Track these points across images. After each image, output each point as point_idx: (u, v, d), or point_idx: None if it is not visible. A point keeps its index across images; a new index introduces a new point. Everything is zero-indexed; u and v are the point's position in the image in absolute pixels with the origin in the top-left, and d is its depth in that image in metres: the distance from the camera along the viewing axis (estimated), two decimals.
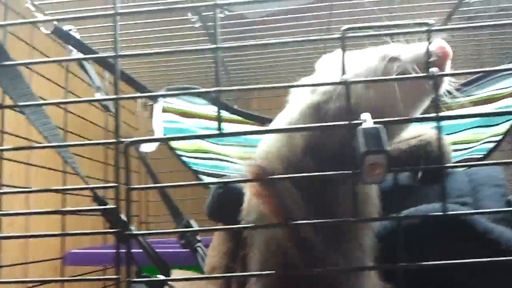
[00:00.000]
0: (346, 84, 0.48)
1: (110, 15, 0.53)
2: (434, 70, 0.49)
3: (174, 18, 1.26)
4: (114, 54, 0.52)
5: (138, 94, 0.85)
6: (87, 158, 1.56)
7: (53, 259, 1.37)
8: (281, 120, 0.71)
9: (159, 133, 1.18)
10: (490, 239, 0.63)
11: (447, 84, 0.61)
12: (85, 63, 1.18)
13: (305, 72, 0.70)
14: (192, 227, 1.06)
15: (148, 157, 1.08)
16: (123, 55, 0.54)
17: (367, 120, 0.49)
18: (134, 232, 0.54)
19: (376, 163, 0.48)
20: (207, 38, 1.33)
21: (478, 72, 1.18)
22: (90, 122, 1.58)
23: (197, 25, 1.12)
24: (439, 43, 0.60)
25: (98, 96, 1.11)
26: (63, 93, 1.43)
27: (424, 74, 0.50)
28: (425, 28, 0.49)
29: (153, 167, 1.06)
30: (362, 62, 0.65)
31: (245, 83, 1.88)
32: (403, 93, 0.59)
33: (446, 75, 0.55)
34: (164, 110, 1.25)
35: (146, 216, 2.05)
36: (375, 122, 0.48)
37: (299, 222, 0.57)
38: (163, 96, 1.25)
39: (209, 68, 1.52)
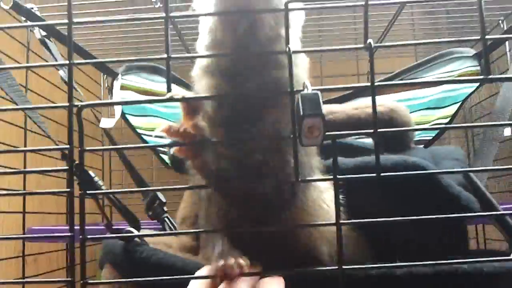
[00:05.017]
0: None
1: None
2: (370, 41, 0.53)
3: None
4: (68, 21, 0.54)
5: (91, 60, 0.85)
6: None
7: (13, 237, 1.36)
8: None
9: (118, 110, 1.18)
10: (452, 193, 0.69)
11: None
12: (47, 40, 1.18)
13: None
14: (160, 199, 1.05)
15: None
16: (77, 22, 0.56)
17: (307, 87, 0.54)
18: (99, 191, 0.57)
19: (314, 126, 0.52)
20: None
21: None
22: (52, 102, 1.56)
23: (157, 5, 1.13)
24: None
25: (61, 73, 1.11)
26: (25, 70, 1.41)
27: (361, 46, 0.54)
28: None
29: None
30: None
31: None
32: None
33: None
34: (124, 88, 1.25)
35: (108, 187, 2.05)
36: (313, 89, 0.52)
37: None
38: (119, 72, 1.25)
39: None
